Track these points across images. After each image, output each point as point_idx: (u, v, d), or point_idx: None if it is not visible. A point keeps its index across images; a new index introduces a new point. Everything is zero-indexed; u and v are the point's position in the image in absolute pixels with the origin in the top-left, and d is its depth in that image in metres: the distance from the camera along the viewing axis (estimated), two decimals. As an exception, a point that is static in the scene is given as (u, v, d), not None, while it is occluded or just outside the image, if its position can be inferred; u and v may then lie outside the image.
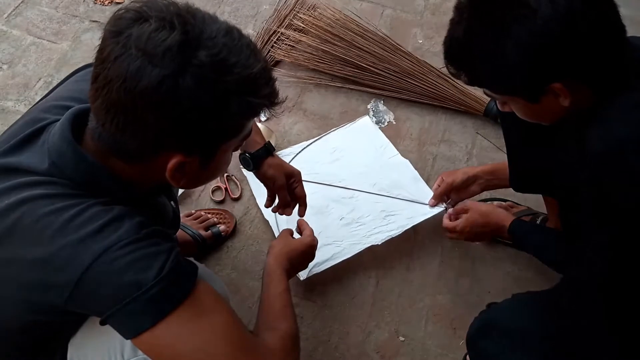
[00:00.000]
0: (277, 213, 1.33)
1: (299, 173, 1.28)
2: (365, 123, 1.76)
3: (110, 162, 0.78)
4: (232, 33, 0.73)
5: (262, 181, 1.26)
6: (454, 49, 0.92)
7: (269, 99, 0.78)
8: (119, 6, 2.17)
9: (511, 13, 0.83)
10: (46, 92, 1.82)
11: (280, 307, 0.96)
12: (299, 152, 1.67)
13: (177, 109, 0.70)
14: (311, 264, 1.40)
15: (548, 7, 0.81)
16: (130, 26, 0.69)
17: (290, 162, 1.52)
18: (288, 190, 1.27)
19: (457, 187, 1.43)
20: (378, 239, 1.47)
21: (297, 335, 0.94)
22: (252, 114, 0.78)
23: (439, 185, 1.46)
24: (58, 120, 0.83)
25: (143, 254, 0.74)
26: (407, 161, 1.66)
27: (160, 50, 0.67)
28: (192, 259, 0.88)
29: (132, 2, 0.73)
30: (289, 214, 1.30)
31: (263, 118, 1.72)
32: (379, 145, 1.70)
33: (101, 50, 0.71)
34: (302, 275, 1.41)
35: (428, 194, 1.56)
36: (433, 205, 1.49)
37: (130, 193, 0.82)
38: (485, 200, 1.57)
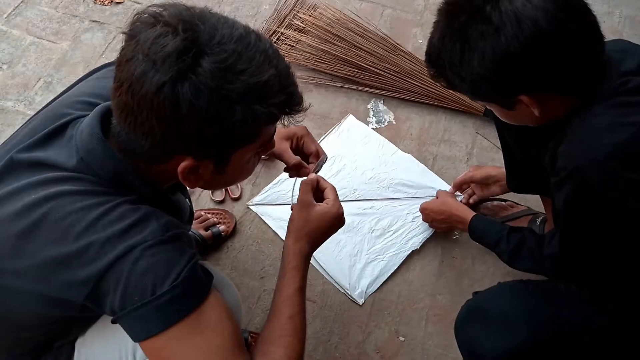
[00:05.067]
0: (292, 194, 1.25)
1: (301, 129, 1.15)
2: (351, 122, 1.75)
3: (133, 160, 0.79)
4: (245, 39, 0.72)
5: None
6: (431, 54, 0.95)
7: (284, 107, 0.76)
8: (119, 6, 2.16)
9: (476, 28, 0.85)
10: (46, 92, 1.82)
11: (286, 318, 0.87)
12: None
13: (176, 115, 0.69)
14: (364, 286, 1.43)
15: (513, 26, 0.83)
16: (143, 30, 0.70)
17: (293, 195, 1.39)
18: (299, 150, 1.16)
19: (476, 183, 1.49)
20: (416, 243, 1.51)
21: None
22: (264, 122, 0.75)
23: (457, 186, 1.54)
24: (82, 115, 0.84)
25: (164, 258, 0.74)
26: (410, 155, 1.67)
27: (160, 56, 0.68)
28: (207, 263, 0.87)
29: (152, 5, 0.73)
30: (306, 174, 1.12)
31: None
32: (376, 143, 1.70)
33: (120, 51, 0.73)
34: (360, 299, 1.42)
35: (441, 184, 1.60)
36: (453, 192, 1.54)
37: (154, 191, 0.83)
38: (485, 201, 1.56)
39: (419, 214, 1.54)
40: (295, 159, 1.11)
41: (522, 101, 0.90)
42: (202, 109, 0.69)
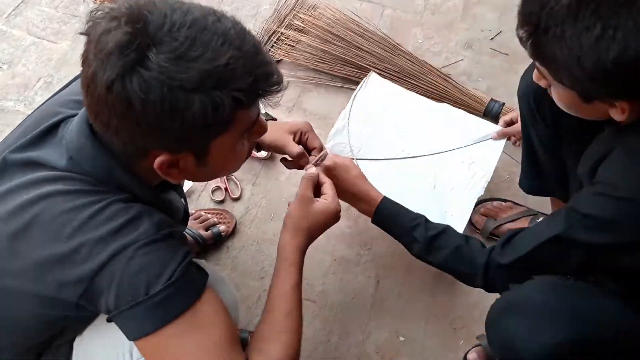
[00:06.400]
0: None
1: (305, 125, 1.15)
2: (376, 81, 1.61)
3: (118, 159, 0.78)
4: (200, 22, 0.68)
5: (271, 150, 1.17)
6: (542, 16, 0.78)
7: (253, 90, 0.71)
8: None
9: (636, 17, 0.72)
10: (46, 92, 1.82)
11: (281, 315, 0.87)
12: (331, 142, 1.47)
13: (131, 112, 0.68)
14: None
15: None
16: (94, 28, 0.69)
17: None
18: (303, 145, 1.16)
19: None
20: (478, 190, 1.42)
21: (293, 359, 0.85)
22: (229, 108, 0.70)
23: (507, 123, 1.47)
24: (74, 114, 0.83)
25: (157, 257, 0.74)
26: (445, 104, 1.60)
27: (105, 54, 0.66)
28: (204, 261, 0.86)
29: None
30: (306, 163, 1.14)
31: (263, 109, 1.67)
32: (409, 99, 1.59)
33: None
34: None
35: (487, 125, 1.52)
36: (497, 139, 1.46)
37: (144, 189, 0.82)
38: (485, 201, 1.56)
39: (473, 160, 1.46)
40: (298, 148, 1.11)
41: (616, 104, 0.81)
42: (155, 103, 0.67)
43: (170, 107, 0.67)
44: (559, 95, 0.90)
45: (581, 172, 0.99)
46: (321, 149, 1.15)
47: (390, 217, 1.18)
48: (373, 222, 1.22)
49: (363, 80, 1.59)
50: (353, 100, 1.55)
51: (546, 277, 0.98)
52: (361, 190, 1.19)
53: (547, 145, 1.18)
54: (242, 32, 0.71)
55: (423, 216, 1.16)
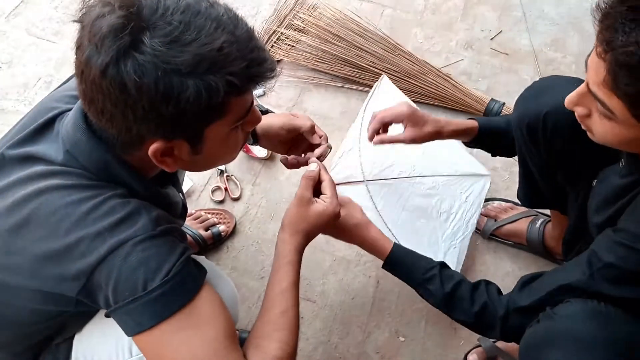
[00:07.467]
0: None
1: (304, 119, 1.14)
2: (388, 85, 1.51)
3: (114, 150, 0.78)
4: (194, 7, 0.68)
5: (270, 147, 1.15)
6: None
7: (246, 75, 0.71)
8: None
9: None
10: (46, 92, 1.82)
11: (278, 313, 0.86)
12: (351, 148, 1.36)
13: (126, 96, 0.68)
14: None
15: None
16: (87, 14, 0.69)
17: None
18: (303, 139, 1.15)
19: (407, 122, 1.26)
20: (474, 223, 1.44)
21: (289, 358, 0.84)
22: (224, 93, 0.70)
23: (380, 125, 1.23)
24: (69, 109, 0.83)
25: (155, 253, 0.74)
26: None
27: (99, 38, 0.66)
28: (203, 257, 0.85)
29: None
30: (318, 140, 1.14)
31: (259, 92, 1.67)
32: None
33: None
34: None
35: (476, 164, 1.51)
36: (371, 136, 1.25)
37: (141, 182, 0.82)
38: (486, 201, 1.56)
39: (470, 191, 1.45)
40: (311, 121, 1.12)
41: None
42: (150, 87, 0.67)
43: (165, 91, 0.67)
44: (612, 127, 0.80)
45: (593, 207, 0.96)
46: (326, 137, 1.14)
47: (402, 267, 1.13)
48: (383, 267, 1.16)
49: (374, 87, 1.49)
50: (364, 115, 1.43)
51: (585, 303, 0.90)
52: (367, 240, 1.15)
53: (542, 172, 1.17)
54: (234, 18, 0.72)
55: (437, 265, 1.09)
